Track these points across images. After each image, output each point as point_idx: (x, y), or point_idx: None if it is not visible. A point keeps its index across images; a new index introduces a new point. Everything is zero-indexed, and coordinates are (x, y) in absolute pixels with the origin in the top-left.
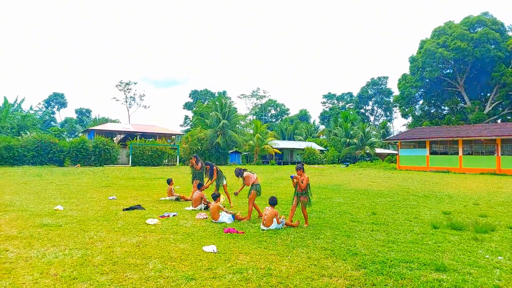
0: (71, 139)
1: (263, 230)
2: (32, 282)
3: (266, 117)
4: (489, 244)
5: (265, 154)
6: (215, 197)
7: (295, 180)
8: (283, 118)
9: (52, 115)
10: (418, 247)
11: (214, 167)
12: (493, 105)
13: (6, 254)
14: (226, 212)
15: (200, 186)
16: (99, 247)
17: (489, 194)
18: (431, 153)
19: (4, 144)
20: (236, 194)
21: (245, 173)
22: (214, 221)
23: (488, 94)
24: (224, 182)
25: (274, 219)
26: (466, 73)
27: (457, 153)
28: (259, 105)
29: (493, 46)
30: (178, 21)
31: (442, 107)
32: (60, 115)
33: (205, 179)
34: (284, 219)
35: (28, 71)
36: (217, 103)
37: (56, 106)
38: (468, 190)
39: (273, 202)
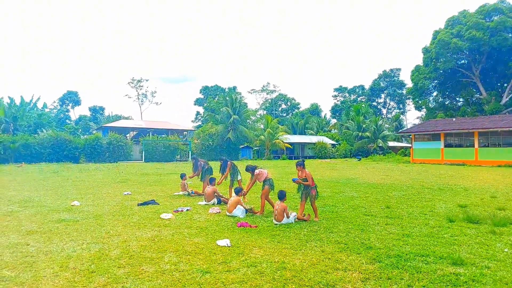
0: (85, 136)
1: (276, 224)
2: (52, 275)
3: (276, 112)
4: (508, 238)
5: (276, 148)
6: (238, 191)
7: (297, 182)
8: (294, 112)
9: (66, 113)
10: (434, 241)
11: (228, 163)
12: (510, 95)
13: (27, 248)
14: (245, 207)
15: (212, 181)
16: (115, 241)
17: (507, 187)
18: (445, 146)
19: (21, 142)
20: (244, 194)
21: (257, 170)
22: (228, 213)
23: (505, 85)
24: (239, 177)
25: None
26: (482, 63)
27: (472, 146)
28: (270, 100)
29: (510, 35)
30: (188, 18)
31: (457, 99)
32: (75, 113)
33: (219, 175)
34: (294, 213)
35: (42, 70)
36: (227, 98)
37: (70, 104)
38: (484, 183)
39: (281, 196)
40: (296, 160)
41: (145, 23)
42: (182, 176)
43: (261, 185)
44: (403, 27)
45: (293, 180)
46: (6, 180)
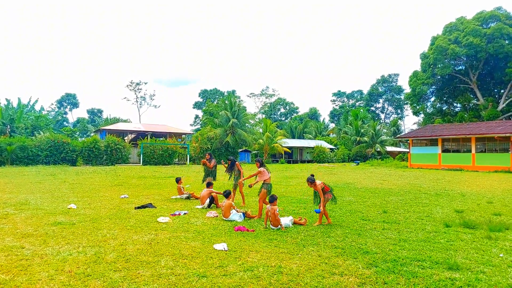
0: (83, 139)
1: (273, 229)
2: (47, 279)
3: (275, 116)
4: (503, 243)
5: (275, 152)
6: (227, 194)
7: (322, 211)
8: (293, 116)
9: (64, 115)
10: (430, 246)
11: (236, 163)
12: (507, 101)
13: (22, 251)
14: (237, 211)
15: (209, 185)
16: (112, 245)
17: (503, 192)
18: (443, 151)
19: (18, 144)
20: (250, 186)
21: (262, 168)
22: (224, 218)
23: (502, 91)
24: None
25: (280, 218)
26: (479, 69)
27: (469, 151)
28: (268, 104)
29: (507, 42)
30: (188, 21)
31: (454, 104)
32: (73, 115)
33: (232, 176)
34: (291, 217)
35: (40, 72)
36: (226, 102)
37: (68, 107)
38: (481, 188)
39: (272, 199)
40: (308, 176)
41: (144, 26)
42: (178, 180)
43: (259, 187)
44: (402, 33)
45: (316, 212)
46: (2, 182)
